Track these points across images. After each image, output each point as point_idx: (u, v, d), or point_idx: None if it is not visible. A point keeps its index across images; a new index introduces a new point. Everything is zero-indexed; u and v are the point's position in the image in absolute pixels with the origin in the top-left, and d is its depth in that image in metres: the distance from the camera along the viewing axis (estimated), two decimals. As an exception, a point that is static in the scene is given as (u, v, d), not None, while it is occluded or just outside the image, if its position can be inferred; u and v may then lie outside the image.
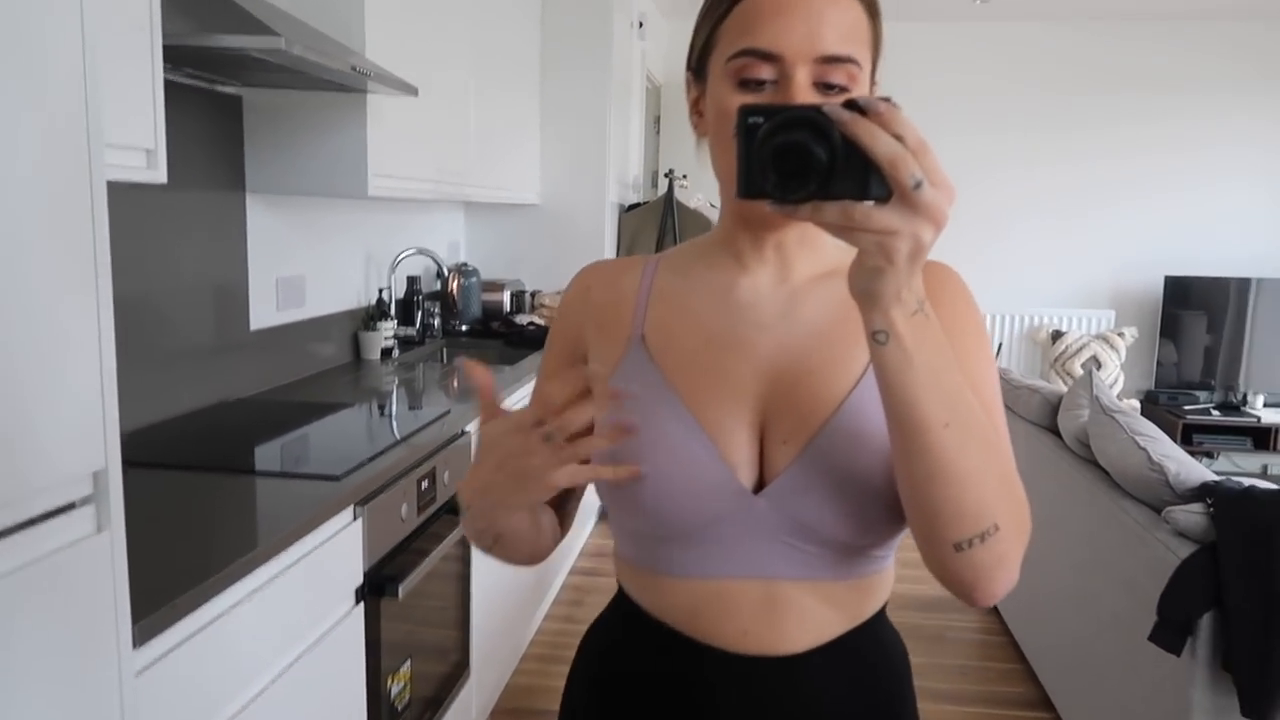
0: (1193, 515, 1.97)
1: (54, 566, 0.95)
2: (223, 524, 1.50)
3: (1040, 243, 5.29)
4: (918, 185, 0.62)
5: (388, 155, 2.37)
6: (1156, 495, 2.15)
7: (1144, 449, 2.21)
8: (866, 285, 0.67)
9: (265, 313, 2.42)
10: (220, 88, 2.18)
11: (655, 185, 5.12)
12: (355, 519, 1.66)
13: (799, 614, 0.86)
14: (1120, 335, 5.06)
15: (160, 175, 1.48)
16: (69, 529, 0.98)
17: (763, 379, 0.86)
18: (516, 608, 2.80)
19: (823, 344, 0.86)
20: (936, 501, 0.73)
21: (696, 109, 0.89)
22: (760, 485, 0.85)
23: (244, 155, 2.29)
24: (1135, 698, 2.12)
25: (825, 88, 0.79)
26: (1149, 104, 5.10)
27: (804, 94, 0.78)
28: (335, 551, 1.59)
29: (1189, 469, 2.13)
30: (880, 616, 0.92)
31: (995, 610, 3.33)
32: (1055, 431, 2.93)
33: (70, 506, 0.99)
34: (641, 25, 4.20)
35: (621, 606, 0.96)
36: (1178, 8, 4.84)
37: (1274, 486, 1.96)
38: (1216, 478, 2.07)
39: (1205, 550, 1.87)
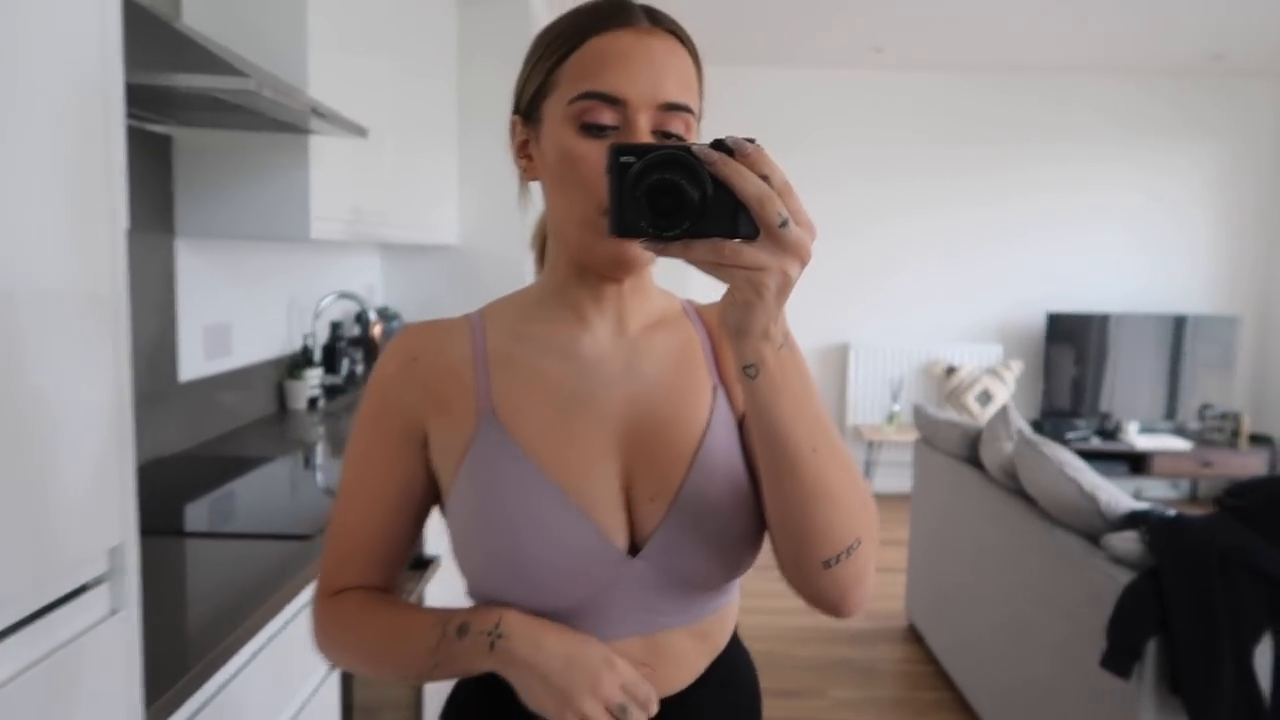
0: (1128, 543, 2.08)
1: (62, 660, 0.86)
2: (198, 593, 1.40)
3: (933, 282, 5.54)
4: (784, 223, 0.65)
5: (324, 197, 2.29)
6: (1089, 524, 2.27)
7: (1074, 479, 2.32)
8: (738, 321, 0.69)
9: (193, 363, 2.29)
10: (149, 126, 2.06)
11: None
12: (328, 581, 1.58)
13: (678, 658, 0.87)
14: (1008, 368, 5.34)
15: (122, 221, 1.38)
16: (81, 614, 0.90)
17: (619, 437, 0.86)
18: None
19: (667, 395, 0.87)
20: (807, 523, 0.77)
21: (524, 152, 0.87)
22: (633, 545, 0.85)
23: (174, 197, 2.17)
24: (1071, 711, 2.21)
25: (663, 135, 0.79)
26: (1030, 152, 5.44)
27: (645, 139, 0.78)
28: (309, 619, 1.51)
29: (1117, 498, 2.25)
30: (734, 636, 0.95)
31: (920, 641, 3.42)
32: (976, 463, 3.06)
33: (83, 589, 0.91)
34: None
35: (487, 676, 0.85)
36: (1057, 63, 5.21)
37: (1200, 514, 2.10)
38: (1142, 506, 2.20)
39: (1146, 576, 1.98)
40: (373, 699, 1.83)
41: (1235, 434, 5.18)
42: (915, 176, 5.46)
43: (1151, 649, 1.93)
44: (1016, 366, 5.35)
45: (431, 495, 0.91)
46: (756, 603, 3.86)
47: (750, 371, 0.71)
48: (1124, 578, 2.03)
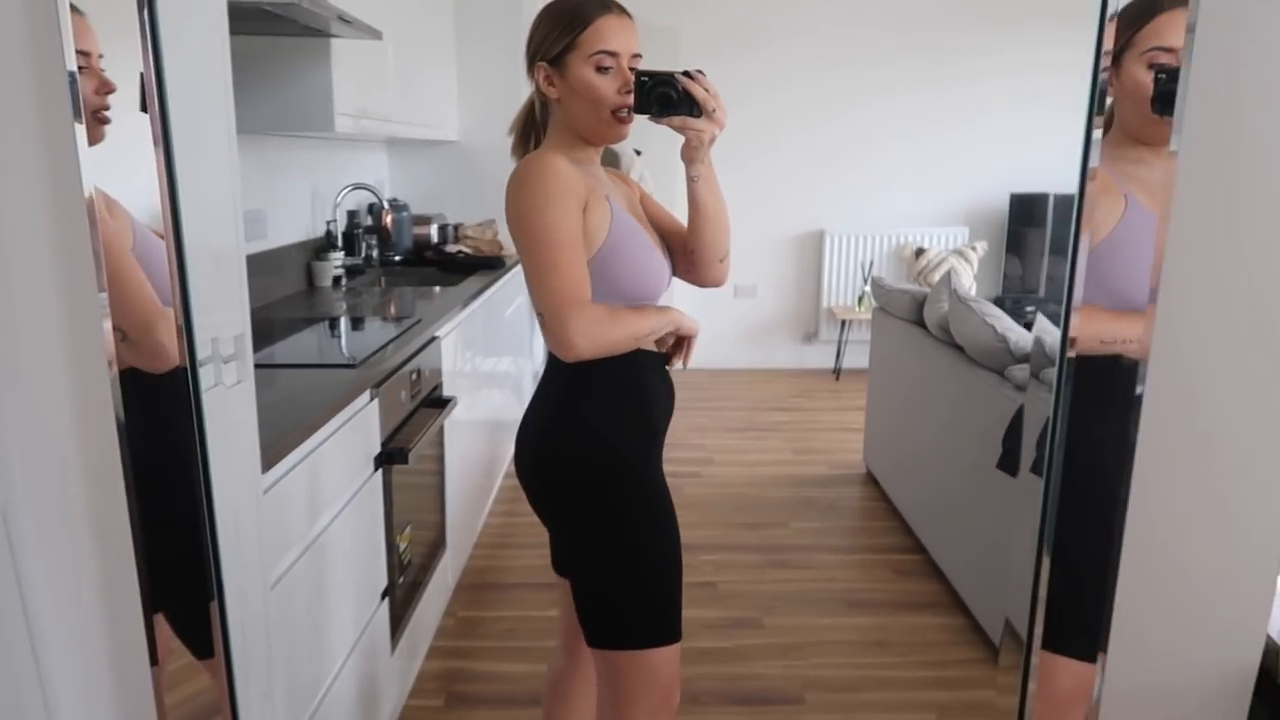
0: (1027, 371, 2.51)
1: (224, 395, 1.28)
2: (282, 396, 1.81)
3: (903, 168, 5.86)
4: (713, 110, 1.43)
5: (343, 95, 2.64)
6: (1000, 361, 2.70)
7: (991, 325, 2.74)
8: (690, 155, 1.47)
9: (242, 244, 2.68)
10: (192, 36, 2.40)
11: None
12: (372, 399, 2.00)
13: None
14: (973, 249, 5.71)
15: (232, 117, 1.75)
16: (225, 377, 1.31)
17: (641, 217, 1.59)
18: (472, 499, 3.17)
19: (637, 202, 1.62)
20: (712, 242, 1.56)
21: (550, 82, 1.47)
22: None
23: (215, 97, 2.52)
24: (985, 521, 2.68)
25: (631, 70, 1.45)
26: (993, 37, 5.67)
27: (626, 71, 1.44)
28: (360, 425, 1.94)
29: (1025, 338, 2.67)
30: None
31: (876, 484, 3.90)
32: (921, 325, 3.47)
33: (224, 361, 1.32)
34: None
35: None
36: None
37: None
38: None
39: (1037, 396, 2.41)
40: (405, 507, 2.28)
41: (1182, 306, 5.58)
42: (883, 64, 5.71)
43: (1039, 454, 2.38)
44: (981, 247, 5.72)
45: None
46: (735, 456, 4.35)
47: (695, 178, 1.50)
48: (1021, 399, 2.46)
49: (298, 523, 1.63)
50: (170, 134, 0.89)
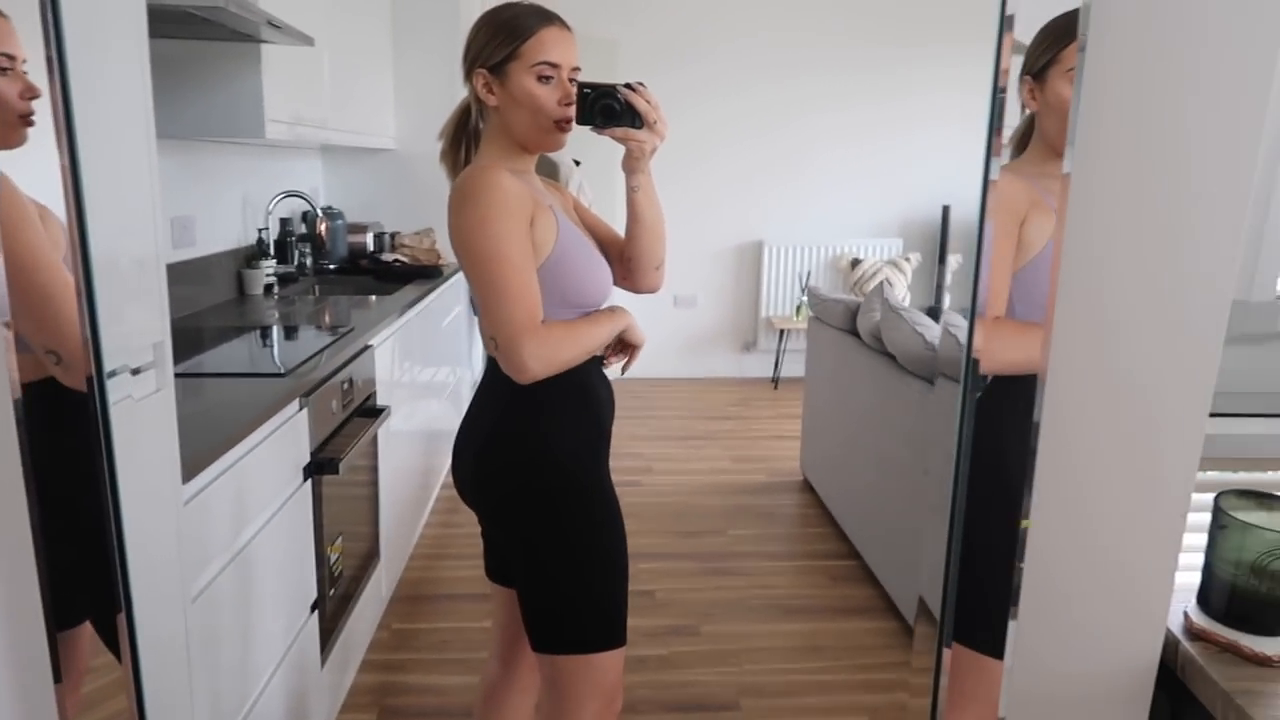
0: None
1: (132, 409, 1.25)
2: (209, 406, 1.78)
3: (839, 180, 5.96)
4: (654, 122, 1.46)
5: (275, 101, 2.60)
6: (930, 369, 2.76)
7: (920, 334, 2.80)
8: (632, 165, 1.50)
9: (164, 250, 2.62)
10: (116, 38, 2.35)
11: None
12: (301, 409, 1.97)
13: None
14: (907, 260, 5.83)
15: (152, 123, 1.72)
16: (143, 385, 1.28)
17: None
18: (408, 509, 3.14)
19: (573, 207, 1.64)
20: (650, 250, 1.58)
21: (489, 90, 1.47)
22: None
23: (140, 102, 2.47)
24: (916, 527, 2.73)
25: (571, 81, 1.47)
26: (927, 52, 5.79)
27: (566, 82, 1.46)
28: (288, 435, 1.91)
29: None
30: None
31: (812, 491, 3.95)
32: (855, 334, 3.53)
33: (139, 370, 1.29)
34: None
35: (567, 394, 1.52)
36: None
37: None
38: (973, 353, 2.69)
39: (963, 403, 2.47)
40: (337, 518, 2.25)
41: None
42: (820, 77, 5.80)
43: (966, 459, 2.43)
44: (915, 258, 5.84)
45: None
46: (674, 465, 4.37)
47: (635, 188, 1.52)
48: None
49: (222, 534, 1.60)
50: (75, 134, 0.87)
